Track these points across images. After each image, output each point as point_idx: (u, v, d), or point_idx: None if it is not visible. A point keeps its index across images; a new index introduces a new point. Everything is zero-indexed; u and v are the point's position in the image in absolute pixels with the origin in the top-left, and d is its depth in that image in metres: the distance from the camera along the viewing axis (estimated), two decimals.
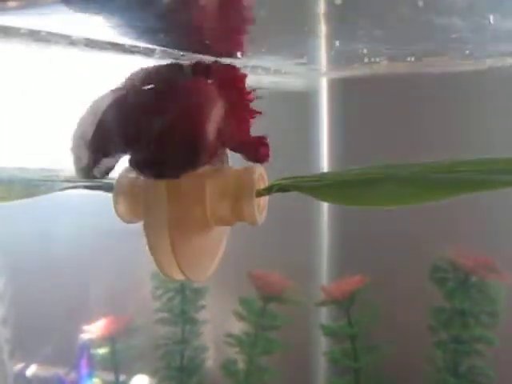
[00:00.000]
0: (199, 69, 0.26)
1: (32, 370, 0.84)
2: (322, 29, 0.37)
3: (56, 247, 0.89)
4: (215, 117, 0.24)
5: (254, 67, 0.42)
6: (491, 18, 0.23)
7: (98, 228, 0.83)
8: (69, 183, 0.28)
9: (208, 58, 0.32)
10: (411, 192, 0.22)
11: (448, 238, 0.74)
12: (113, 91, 0.26)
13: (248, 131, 0.27)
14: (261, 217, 0.28)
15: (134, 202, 0.28)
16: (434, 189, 0.21)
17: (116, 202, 0.28)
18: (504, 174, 0.21)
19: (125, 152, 0.25)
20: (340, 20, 0.34)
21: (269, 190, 0.27)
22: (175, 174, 0.24)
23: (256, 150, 0.27)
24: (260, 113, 0.28)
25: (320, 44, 0.42)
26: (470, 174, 0.22)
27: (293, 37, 0.38)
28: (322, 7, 0.33)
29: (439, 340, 0.67)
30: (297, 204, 0.77)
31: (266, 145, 0.27)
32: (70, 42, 0.24)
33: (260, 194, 0.27)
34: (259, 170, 0.27)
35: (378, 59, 0.39)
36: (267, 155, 0.27)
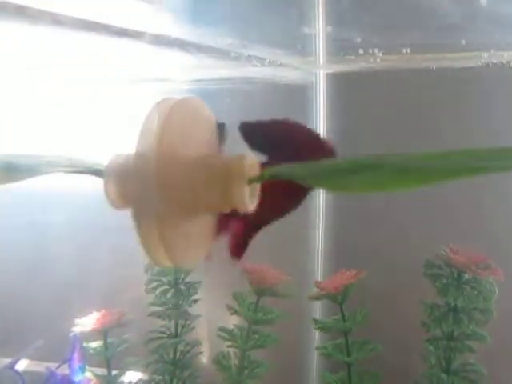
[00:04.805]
0: None
1: (23, 364, 0.84)
2: (320, 19, 0.37)
3: (48, 240, 0.88)
4: None
5: (248, 57, 0.42)
6: (483, 4, 0.23)
7: (90, 221, 0.83)
8: (54, 167, 0.28)
9: None
10: (403, 178, 0.22)
11: (443, 234, 0.74)
12: None
13: None
14: (252, 205, 0.27)
15: (124, 188, 0.28)
16: (425, 174, 0.21)
17: (106, 189, 0.28)
18: (492, 160, 0.21)
19: None
20: (336, 10, 0.34)
21: (260, 178, 0.27)
22: None
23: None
24: None
25: (317, 35, 0.42)
26: (460, 160, 0.22)
27: (289, 26, 0.37)
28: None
29: (432, 336, 0.67)
30: None
31: None
32: (57, 20, 0.24)
33: (251, 181, 0.27)
34: (251, 157, 0.27)
35: (375, 50, 0.39)
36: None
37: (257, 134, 0.28)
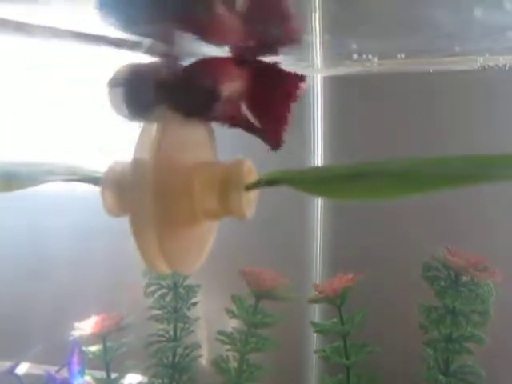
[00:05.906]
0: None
1: (23, 367, 0.84)
2: (316, 24, 0.37)
3: (47, 244, 0.88)
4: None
5: None
6: (477, 11, 0.23)
7: (89, 225, 0.83)
8: (54, 176, 0.28)
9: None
10: (399, 186, 0.22)
11: (441, 236, 0.75)
12: None
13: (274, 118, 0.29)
14: (249, 211, 0.28)
15: (121, 196, 0.28)
16: (423, 182, 0.21)
17: (104, 196, 0.28)
18: (492, 168, 0.21)
19: None
20: (332, 15, 0.34)
21: (257, 184, 0.27)
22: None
23: (271, 135, 0.29)
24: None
25: (314, 40, 0.42)
26: (457, 168, 0.22)
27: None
28: (315, 2, 0.33)
29: (430, 338, 0.67)
30: (290, 201, 0.77)
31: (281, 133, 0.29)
32: (54, 33, 0.24)
33: (249, 187, 0.27)
34: (248, 163, 0.27)
35: (370, 56, 0.39)
36: (279, 144, 0.29)
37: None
